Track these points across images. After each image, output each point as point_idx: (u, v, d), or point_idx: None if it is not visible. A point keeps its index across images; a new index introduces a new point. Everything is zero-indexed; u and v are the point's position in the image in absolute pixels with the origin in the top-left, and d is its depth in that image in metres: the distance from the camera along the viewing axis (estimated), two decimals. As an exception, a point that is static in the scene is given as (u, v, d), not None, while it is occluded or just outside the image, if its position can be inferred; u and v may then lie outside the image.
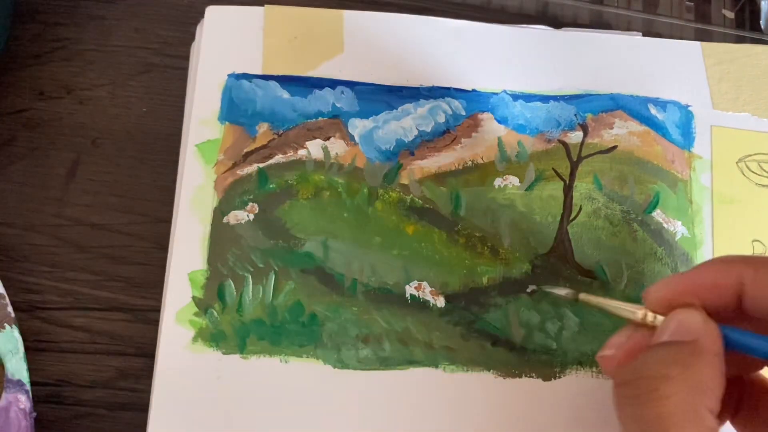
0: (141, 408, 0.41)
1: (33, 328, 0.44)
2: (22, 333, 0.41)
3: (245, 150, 0.45)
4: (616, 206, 0.45)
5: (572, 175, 0.46)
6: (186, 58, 0.48)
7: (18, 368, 0.40)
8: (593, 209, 0.45)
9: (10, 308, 0.42)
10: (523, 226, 0.45)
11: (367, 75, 0.47)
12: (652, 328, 0.32)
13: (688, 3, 0.53)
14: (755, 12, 0.53)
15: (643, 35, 0.50)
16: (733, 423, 0.34)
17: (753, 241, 0.45)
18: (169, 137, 0.47)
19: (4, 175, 0.47)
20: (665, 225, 0.45)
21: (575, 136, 0.46)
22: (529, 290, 0.43)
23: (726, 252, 0.44)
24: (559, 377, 0.42)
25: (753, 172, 0.46)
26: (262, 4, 0.48)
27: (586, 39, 0.49)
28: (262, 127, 0.46)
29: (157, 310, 0.43)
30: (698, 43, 0.49)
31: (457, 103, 0.47)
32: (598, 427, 0.41)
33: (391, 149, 0.46)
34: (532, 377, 0.42)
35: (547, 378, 0.42)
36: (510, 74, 0.48)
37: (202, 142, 0.45)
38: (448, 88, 0.47)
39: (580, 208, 0.45)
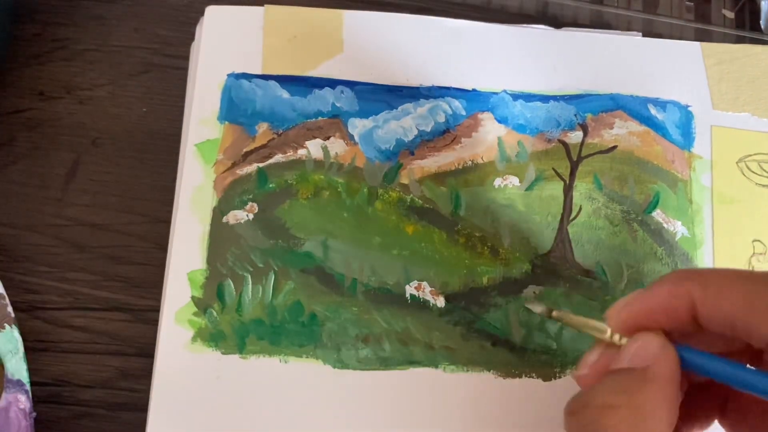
0: (141, 408, 0.41)
1: (33, 328, 0.44)
2: (22, 333, 0.41)
3: (245, 150, 0.45)
4: (616, 206, 0.45)
5: (572, 175, 0.46)
6: (186, 58, 0.48)
7: (18, 368, 0.40)
8: (593, 209, 0.45)
9: (10, 308, 0.42)
10: (523, 226, 0.45)
11: (366, 75, 0.47)
12: (620, 346, 0.31)
13: (688, 3, 0.53)
14: (755, 12, 0.53)
15: (643, 35, 0.50)
16: (721, 422, 0.34)
17: (753, 240, 0.45)
18: (169, 137, 0.47)
19: (4, 175, 0.47)
20: (665, 225, 0.45)
21: (575, 136, 0.46)
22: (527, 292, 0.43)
23: (727, 252, 0.44)
24: (560, 377, 0.42)
25: (753, 172, 0.46)
26: (261, 4, 0.48)
27: (586, 39, 0.49)
28: (262, 127, 0.46)
29: (156, 310, 0.43)
30: (698, 43, 0.49)
31: (457, 103, 0.47)
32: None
33: (391, 149, 0.46)
34: (533, 377, 0.42)
35: (547, 378, 0.42)
36: (510, 74, 0.48)
37: (202, 141, 0.45)
38: (448, 88, 0.47)
39: (580, 208, 0.45)
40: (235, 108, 0.46)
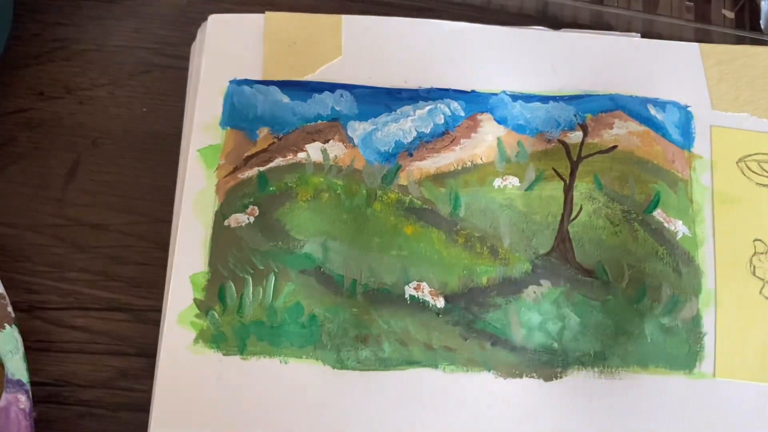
0: (141, 408, 0.42)
1: (33, 328, 0.44)
2: (22, 333, 0.41)
3: (246, 154, 0.45)
4: (617, 206, 0.45)
5: (572, 175, 0.46)
6: (186, 58, 0.48)
7: (18, 368, 0.40)
8: (594, 209, 0.45)
9: (10, 308, 0.42)
10: (523, 226, 0.45)
11: (365, 78, 0.47)
12: None
13: (688, 3, 0.53)
14: (755, 12, 0.53)
15: (643, 35, 0.50)
16: None
17: (754, 240, 0.45)
18: (169, 137, 0.47)
19: (4, 175, 0.47)
20: (666, 224, 0.45)
21: (575, 136, 0.46)
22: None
23: (728, 251, 0.44)
24: (561, 377, 0.42)
25: (753, 171, 0.46)
26: (262, 11, 0.49)
27: (585, 40, 0.49)
28: (263, 132, 0.46)
29: (156, 310, 0.43)
30: (696, 44, 0.49)
31: (456, 105, 0.46)
32: (601, 428, 0.41)
33: (390, 151, 0.46)
34: (533, 377, 0.42)
35: (548, 378, 0.42)
36: (509, 75, 0.48)
37: (204, 147, 0.45)
38: (447, 90, 0.47)
39: (581, 208, 0.45)
40: (237, 113, 0.46)
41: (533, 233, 0.45)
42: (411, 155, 0.46)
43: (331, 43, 0.48)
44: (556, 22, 0.52)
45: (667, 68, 0.48)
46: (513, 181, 0.45)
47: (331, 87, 0.47)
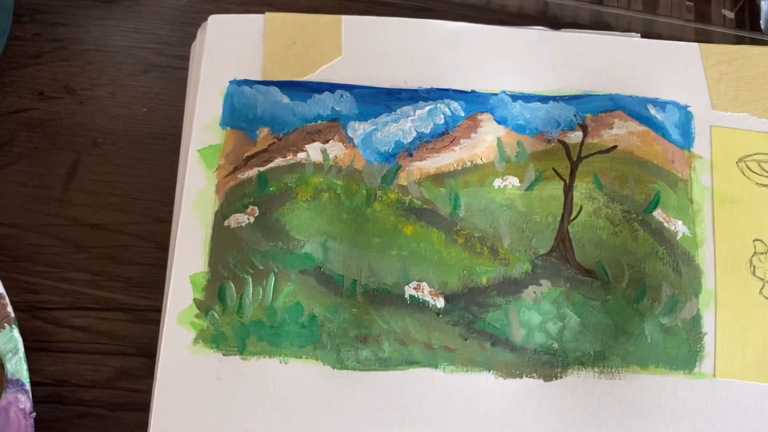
0: (141, 408, 0.42)
1: (33, 328, 0.44)
2: (22, 333, 0.41)
3: (246, 154, 0.45)
4: (617, 206, 0.45)
5: (572, 175, 0.46)
6: (186, 58, 0.48)
7: (18, 368, 0.40)
8: (594, 209, 0.45)
9: (10, 308, 0.42)
10: (523, 226, 0.45)
11: (365, 78, 0.47)
12: None
13: (688, 3, 0.53)
14: (755, 12, 0.53)
15: (643, 35, 0.50)
16: None
17: (754, 240, 0.45)
18: (169, 137, 0.47)
19: (4, 175, 0.47)
20: (666, 224, 0.45)
21: (575, 137, 0.46)
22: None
23: (728, 251, 0.44)
24: (561, 377, 0.42)
25: (753, 171, 0.46)
26: (262, 12, 0.49)
27: (585, 40, 0.49)
28: (263, 132, 0.46)
29: (156, 310, 0.43)
30: (696, 44, 0.49)
31: (456, 105, 0.46)
32: (601, 428, 0.41)
33: (390, 151, 0.46)
34: (533, 377, 0.42)
35: (548, 378, 0.42)
36: (509, 75, 0.48)
37: (204, 147, 0.45)
38: (447, 90, 0.47)
39: (581, 208, 0.45)
40: (237, 114, 0.46)
41: (533, 233, 0.45)
42: (411, 155, 0.46)
43: (331, 44, 0.48)
44: (556, 22, 0.52)
45: (667, 68, 0.48)
46: (513, 181, 0.45)
47: (331, 87, 0.47)
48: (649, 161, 0.46)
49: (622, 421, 0.41)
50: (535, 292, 0.43)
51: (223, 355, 0.41)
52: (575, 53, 0.48)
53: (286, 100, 0.46)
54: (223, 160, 0.45)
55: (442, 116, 0.46)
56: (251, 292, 0.42)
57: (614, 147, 0.46)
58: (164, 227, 0.45)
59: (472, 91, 0.47)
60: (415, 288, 0.43)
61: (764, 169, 0.46)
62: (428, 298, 0.43)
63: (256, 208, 0.44)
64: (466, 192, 0.45)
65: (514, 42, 0.49)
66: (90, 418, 0.43)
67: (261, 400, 0.41)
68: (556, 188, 0.45)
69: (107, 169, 0.47)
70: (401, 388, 0.41)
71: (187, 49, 0.49)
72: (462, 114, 0.46)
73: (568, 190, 0.45)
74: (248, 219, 0.44)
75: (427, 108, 0.46)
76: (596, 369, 0.42)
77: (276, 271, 0.43)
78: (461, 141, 0.46)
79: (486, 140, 0.46)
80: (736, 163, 0.46)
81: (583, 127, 0.47)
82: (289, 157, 0.45)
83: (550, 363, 0.42)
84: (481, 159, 0.46)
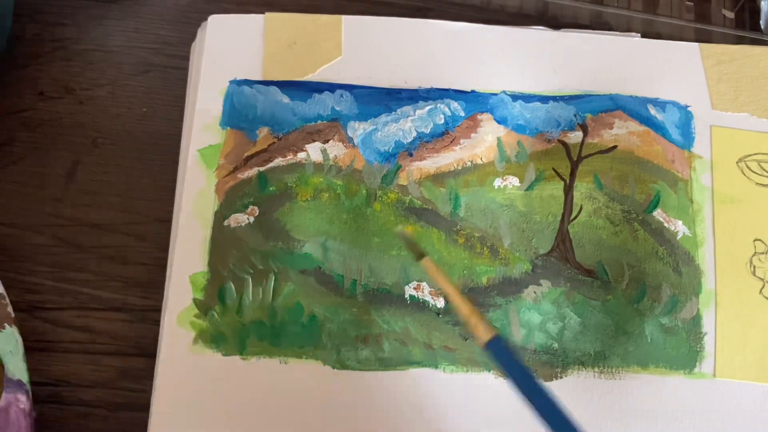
0: (141, 408, 0.41)
1: (33, 328, 0.44)
2: (22, 333, 0.41)
3: (246, 154, 0.45)
4: (617, 206, 0.45)
5: (572, 174, 0.46)
6: (186, 58, 0.48)
7: (18, 368, 0.40)
8: (594, 209, 0.45)
9: (10, 308, 0.42)
10: (523, 226, 0.45)
11: (365, 78, 0.47)
12: None
13: (688, 3, 0.53)
14: (755, 12, 0.53)
15: (643, 35, 0.50)
16: None
17: (754, 240, 0.45)
18: (169, 137, 0.47)
19: (4, 175, 0.47)
20: (666, 224, 0.45)
21: (575, 136, 0.46)
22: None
23: (728, 251, 0.44)
24: (561, 377, 0.42)
25: (753, 171, 0.46)
26: (263, 12, 0.49)
27: (585, 40, 0.49)
28: (263, 132, 0.46)
29: (156, 310, 0.43)
30: (696, 44, 0.49)
31: (456, 105, 0.47)
32: (601, 428, 0.41)
33: (390, 151, 0.46)
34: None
35: (548, 378, 0.42)
36: (509, 75, 0.48)
37: (204, 147, 0.45)
38: (447, 90, 0.47)
39: (581, 208, 0.45)
40: (237, 113, 0.46)
41: (533, 233, 0.45)
42: (411, 155, 0.46)
43: (331, 43, 0.48)
44: (556, 22, 0.52)
45: (667, 68, 0.48)
46: (513, 181, 0.45)
47: (331, 87, 0.47)
48: (649, 161, 0.46)
49: (622, 421, 0.41)
50: (535, 292, 0.43)
51: (223, 355, 0.41)
52: (575, 53, 0.48)
53: (286, 99, 0.46)
54: (223, 160, 0.45)
55: (442, 116, 0.46)
56: (251, 292, 0.42)
57: (614, 147, 0.46)
58: (164, 227, 0.45)
59: (472, 91, 0.47)
60: (415, 288, 0.43)
61: (764, 169, 0.46)
62: (428, 298, 0.43)
63: (256, 208, 0.44)
64: (466, 192, 0.45)
65: (514, 42, 0.49)
66: (90, 418, 0.43)
67: (261, 400, 0.41)
68: (556, 188, 0.45)
69: (107, 169, 0.47)
70: (401, 388, 0.41)
71: (187, 49, 0.49)
72: (462, 114, 0.46)
73: (568, 190, 0.45)
74: (248, 219, 0.44)
75: (427, 108, 0.46)
76: (596, 369, 0.42)
77: (276, 271, 0.43)
78: (461, 141, 0.46)
79: (486, 140, 0.46)
80: (736, 163, 0.46)
81: (583, 127, 0.47)
82: (289, 157, 0.45)
83: (551, 363, 0.42)
84: (481, 159, 0.46)
